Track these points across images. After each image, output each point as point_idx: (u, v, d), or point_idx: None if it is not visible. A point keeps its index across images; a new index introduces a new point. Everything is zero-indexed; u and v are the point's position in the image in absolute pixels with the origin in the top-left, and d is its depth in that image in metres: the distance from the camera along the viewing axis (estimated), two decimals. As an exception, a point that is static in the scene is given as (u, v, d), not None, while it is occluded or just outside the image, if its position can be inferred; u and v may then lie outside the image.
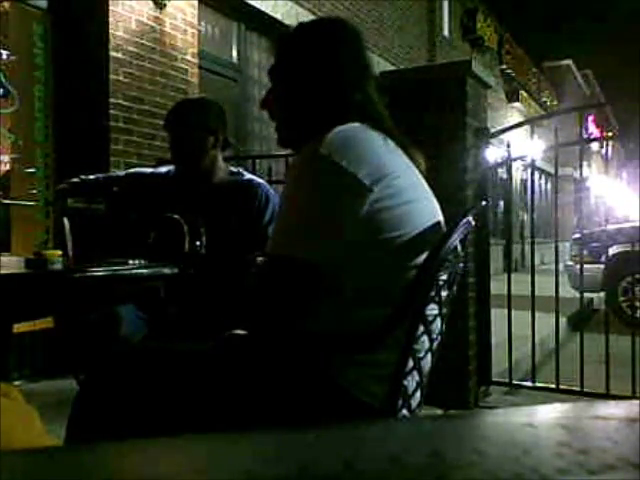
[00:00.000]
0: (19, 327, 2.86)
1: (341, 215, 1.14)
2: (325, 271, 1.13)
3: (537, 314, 3.29)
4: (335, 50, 1.32)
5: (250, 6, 5.77)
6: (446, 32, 12.36)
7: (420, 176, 1.31)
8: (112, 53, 4.14)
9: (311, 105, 1.32)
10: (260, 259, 1.81)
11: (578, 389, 3.15)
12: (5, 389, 0.69)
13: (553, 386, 3.25)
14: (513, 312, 3.35)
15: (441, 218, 1.31)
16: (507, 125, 3.79)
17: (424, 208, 1.25)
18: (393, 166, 1.19)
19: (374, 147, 1.19)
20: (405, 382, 1.16)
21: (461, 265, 1.33)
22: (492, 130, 3.46)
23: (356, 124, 1.22)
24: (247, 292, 1.30)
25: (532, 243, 3.68)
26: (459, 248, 1.27)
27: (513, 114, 16.26)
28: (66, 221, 1.96)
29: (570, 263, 7.29)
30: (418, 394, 1.23)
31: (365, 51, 1.37)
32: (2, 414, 0.61)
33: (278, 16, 6.11)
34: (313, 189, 1.15)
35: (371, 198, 1.13)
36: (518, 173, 15.78)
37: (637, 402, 0.43)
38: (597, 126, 26.49)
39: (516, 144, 3.76)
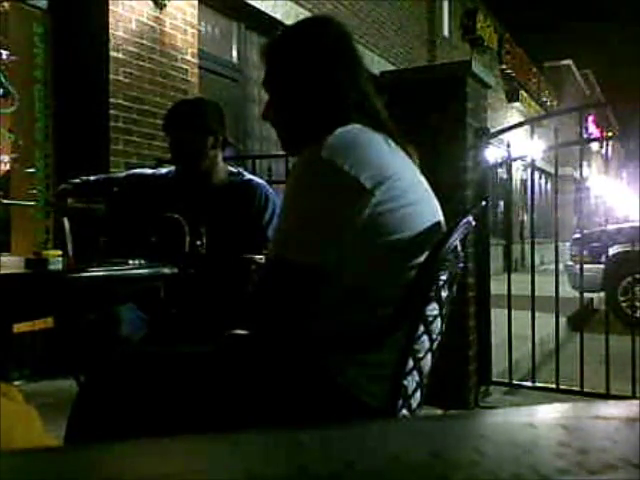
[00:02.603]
0: (19, 327, 2.87)
1: (342, 218, 1.14)
2: (324, 273, 1.13)
3: (537, 314, 3.29)
4: (321, 50, 1.30)
5: (250, 6, 5.77)
6: (446, 32, 12.35)
7: (420, 175, 1.31)
8: (112, 53, 4.13)
9: (307, 108, 1.30)
10: (258, 257, 1.82)
11: (578, 389, 3.15)
12: (5, 389, 0.69)
13: (553, 386, 3.25)
14: (513, 312, 3.34)
15: (441, 218, 1.30)
16: (507, 125, 3.79)
17: (424, 209, 1.25)
18: (394, 168, 1.19)
19: (376, 149, 1.19)
20: (405, 382, 1.16)
21: (461, 265, 1.33)
22: (492, 130, 3.46)
23: (357, 125, 1.21)
24: (248, 293, 1.30)
25: (532, 243, 3.68)
26: (459, 248, 1.27)
27: (513, 114, 16.25)
28: (66, 221, 1.96)
29: (570, 263, 7.29)
30: (418, 394, 1.23)
31: (354, 46, 1.34)
32: (2, 414, 0.61)
33: (278, 16, 6.11)
34: (314, 192, 1.15)
35: (373, 201, 1.13)
36: (518, 173, 15.77)
37: (637, 402, 0.43)
38: (597, 126, 26.46)
39: (516, 144, 3.76)
